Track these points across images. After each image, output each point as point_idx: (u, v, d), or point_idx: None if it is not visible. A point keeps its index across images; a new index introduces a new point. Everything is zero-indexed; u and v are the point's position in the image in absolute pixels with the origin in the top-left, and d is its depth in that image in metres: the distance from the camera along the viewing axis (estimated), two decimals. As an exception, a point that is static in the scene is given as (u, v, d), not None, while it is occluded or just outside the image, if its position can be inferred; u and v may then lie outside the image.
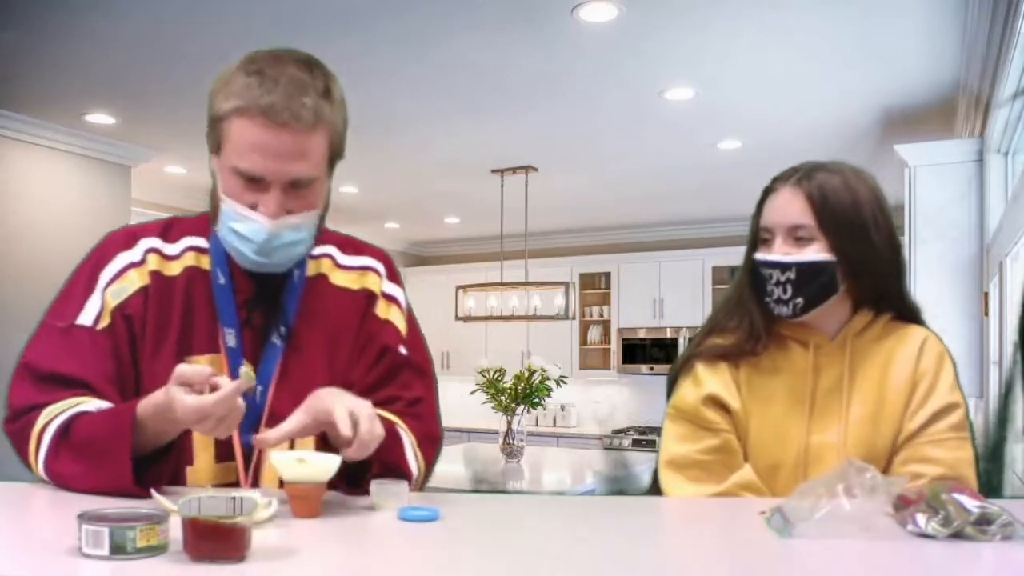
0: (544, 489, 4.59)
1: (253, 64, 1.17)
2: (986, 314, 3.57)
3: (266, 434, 1.11)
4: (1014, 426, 2.26)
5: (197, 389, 1.06)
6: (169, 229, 1.31)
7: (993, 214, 3.63)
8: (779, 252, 1.32)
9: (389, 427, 1.17)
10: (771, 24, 3.19)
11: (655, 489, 1.40)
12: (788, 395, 1.36)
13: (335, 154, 1.25)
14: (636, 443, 6.99)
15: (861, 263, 1.31)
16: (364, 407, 1.10)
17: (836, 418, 1.33)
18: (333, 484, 1.09)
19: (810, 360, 1.36)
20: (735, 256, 1.49)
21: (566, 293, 5.61)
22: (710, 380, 1.38)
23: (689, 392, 1.39)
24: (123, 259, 1.27)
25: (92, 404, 1.16)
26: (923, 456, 1.28)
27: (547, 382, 4.79)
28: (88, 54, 3.49)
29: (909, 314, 1.40)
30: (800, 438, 1.33)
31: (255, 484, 1.24)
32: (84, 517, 0.83)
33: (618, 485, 4.59)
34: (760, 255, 1.35)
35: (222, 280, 1.26)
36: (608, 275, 7.72)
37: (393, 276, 1.39)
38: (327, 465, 1.05)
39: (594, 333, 7.77)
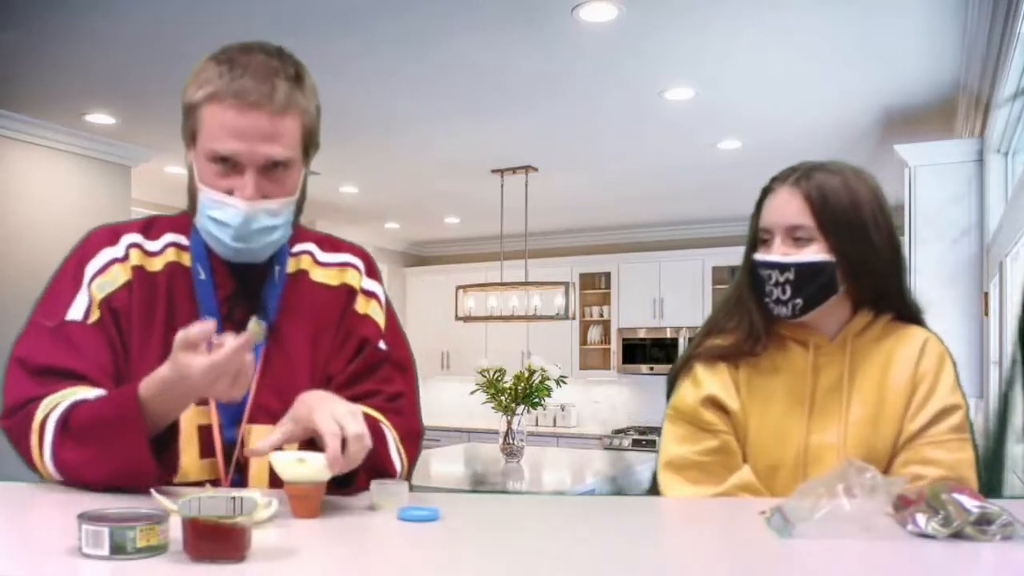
0: (544, 489, 4.60)
1: (224, 54, 1.20)
2: (986, 314, 3.57)
3: (256, 446, 1.12)
4: (1014, 426, 2.26)
5: (202, 352, 1.06)
6: (150, 226, 1.32)
7: (993, 214, 3.63)
8: (778, 252, 1.32)
9: (373, 424, 1.17)
10: (771, 24, 3.19)
11: (655, 490, 1.40)
12: (788, 395, 1.36)
13: (309, 142, 1.26)
14: (636, 443, 6.99)
15: (860, 263, 1.31)
16: (352, 420, 1.09)
17: (836, 419, 1.33)
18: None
19: (810, 360, 1.36)
20: (735, 256, 1.49)
21: (566, 293, 5.61)
22: (709, 381, 1.38)
23: (688, 393, 1.39)
24: (107, 254, 1.27)
25: (91, 392, 1.16)
26: (924, 458, 1.28)
27: (547, 382, 4.80)
28: (88, 54, 3.49)
29: (909, 314, 1.39)
30: (800, 438, 1.33)
31: (239, 480, 1.24)
32: (84, 517, 0.83)
33: (618, 485, 4.60)
34: (759, 255, 1.34)
35: (203, 275, 1.27)
36: (608, 275, 7.73)
37: (372, 272, 1.40)
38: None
39: (594, 333, 7.77)
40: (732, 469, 1.34)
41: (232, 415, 1.24)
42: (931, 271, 3.82)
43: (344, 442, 1.06)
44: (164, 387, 1.09)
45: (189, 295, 1.27)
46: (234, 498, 0.92)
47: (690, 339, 1.52)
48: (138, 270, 1.27)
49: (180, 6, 3.03)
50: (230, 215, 1.19)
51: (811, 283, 1.30)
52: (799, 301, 1.31)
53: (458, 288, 5.97)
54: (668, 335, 7.30)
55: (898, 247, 1.36)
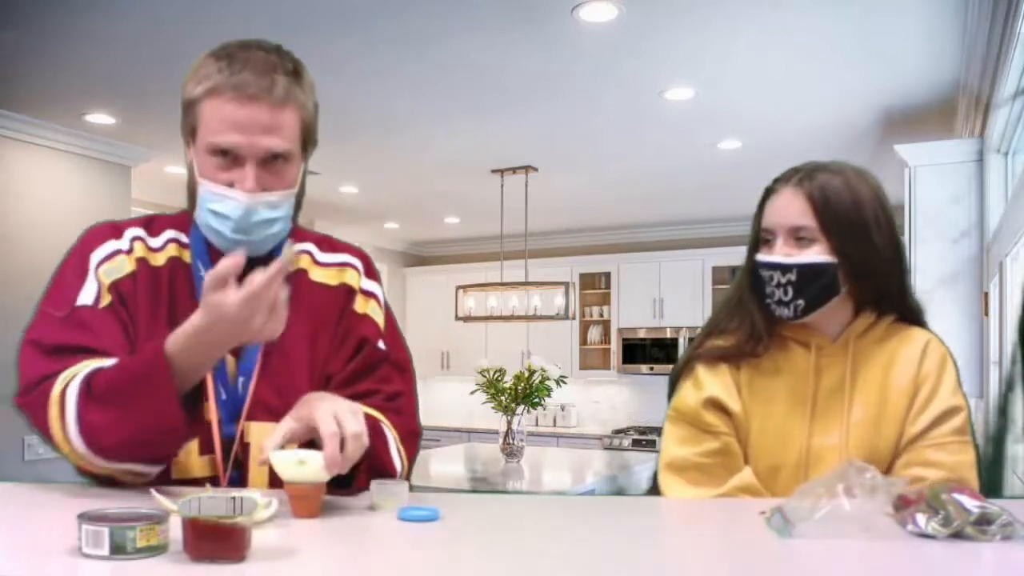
0: (544, 489, 4.60)
1: (223, 50, 1.21)
2: (986, 314, 3.56)
3: (264, 454, 1.09)
4: (1014, 426, 2.26)
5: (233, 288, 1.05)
6: (151, 223, 1.33)
7: (993, 214, 3.62)
8: (780, 253, 1.32)
9: (373, 424, 1.17)
10: (771, 24, 3.19)
11: (655, 490, 1.40)
12: (789, 397, 1.35)
13: (307, 138, 1.26)
14: (636, 443, 6.99)
15: (862, 264, 1.31)
16: (351, 419, 1.08)
17: (837, 420, 1.33)
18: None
19: (812, 361, 1.35)
20: (735, 256, 1.49)
21: (566, 293, 5.61)
22: (711, 382, 1.37)
23: (690, 395, 1.38)
24: (111, 245, 1.27)
25: (109, 362, 1.13)
26: (925, 460, 1.28)
27: (547, 382, 4.80)
28: (88, 54, 3.49)
29: (912, 315, 1.39)
30: (801, 440, 1.33)
31: (237, 477, 1.24)
32: (84, 517, 0.83)
33: (618, 485, 4.60)
34: (761, 256, 1.34)
35: (203, 272, 1.26)
36: (608, 275, 7.72)
37: (371, 273, 1.40)
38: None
39: (594, 333, 7.77)
40: (733, 471, 1.34)
41: (231, 412, 1.24)
42: (931, 271, 3.82)
43: (343, 442, 1.06)
44: (193, 339, 1.07)
45: (190, 291, 1.27)
46: (234, 498, 0.92)
47: (690, 339, 1.52)
48: (142, 262, 1.27)
49: (180, 6, 3.03)
50: (231, 207, 1.19)
51: (813, 284, 1.30)
52: (801, 302, 1.31)
53: (458, 288, 5.97)
54: (668, 335, 7.30)
55: (900, 247, 1.36)
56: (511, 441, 4.83)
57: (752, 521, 1.06)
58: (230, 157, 1.19)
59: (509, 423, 4.82)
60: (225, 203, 1.19)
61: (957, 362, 1.37)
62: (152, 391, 1.07)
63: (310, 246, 1.37)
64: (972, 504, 0.97)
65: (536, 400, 4.79)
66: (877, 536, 0.97)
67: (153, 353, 1.09)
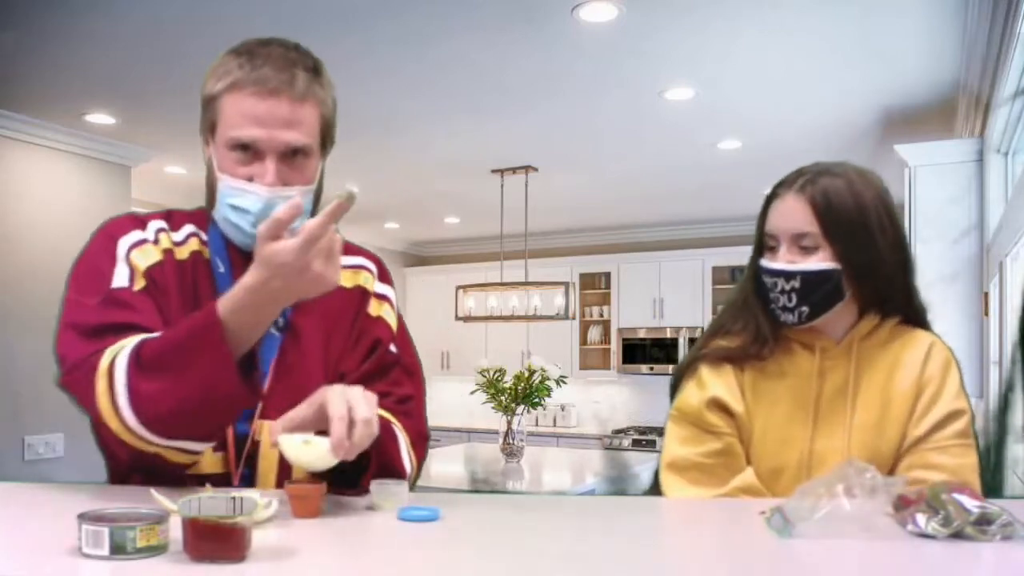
0: (544, 489, 4.60)
1: (243, 47, 1.22)
2: (986, 314, 3.57)
3: (274, 435, 1.08)
4: (1014, 426, 2.26)
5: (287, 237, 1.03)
6: (170, 217, 1.32)
7: (993, 214, 3.62)
8: (784, 260, 1.31)
9: (385, 425, 1.17)
10: (771, 24, 3.19)
11: (655, 490, 1.40)
12: (793, 399, 1.35)
13: (326, 134, 1.27)
14: (636, 443, 6.99)
15: (865, 268, 1.30)
16: (363, 404, 1.07)
17: (840, 423, 1.33)
18: (328, 485, 1.09)
19: (815, 364, 1.35)
20: (735, 256, 1.50)
21: (566, 293, 5.61)
22: (714, 383, 1.37)
23: (693, 395, 1.38)
24: (137, 234, 1.26)
25: (156, 333, 1.11)
26: (928, 462, 1.28)
27: (547, 382, 4.80)
28: (88, 54, 3.49)
29: (916, 317, 1.39)
30: (804, 442, 1.33)
31: (248, 475, 1.23)
32: (84, 517, 0.83)
33: (618, 485, 4.59)
34: (765, 262, 1.34)
35: (222, 268, 1.26)
36: (608, 275, 7.72)
37: (384, 277, 1.41)
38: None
39: (594, 333, 7.77)
40: (735, 471, 1.34)
41: (246, 410, 1.23)
42: (931, 271, 3.82)
43: (351, 426, 1.04)
44: (247, 298, 1.04)
45: (210, 287, 1.26)
46: (234, 498, 0.92)
47: (690, 339, 1.52)
48: (168, 254, 1.26)
49: (180, 6, 3.03)
50: (250, 202, 1.19)
51: (817, 291, 1.30)
52: (805, 308, 1.31)
53: (458, 288, 5.97)
54: (668, 335, 7.30)
55: (905, 248, 1.35)
56: (511, 441, 4.83)
57: (752, 521, 1.06)
58: (250, 152, 1.19)
59: (509, 423, 4.82)
60: (245, 197, 1.19)
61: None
62: (206, 354, 1.03)
63: None
64: (972, 504, 0.97)
65: (536, 400, 4.79)
66: (877, 536, 0.97)
67: (205, 315, 1.05)
